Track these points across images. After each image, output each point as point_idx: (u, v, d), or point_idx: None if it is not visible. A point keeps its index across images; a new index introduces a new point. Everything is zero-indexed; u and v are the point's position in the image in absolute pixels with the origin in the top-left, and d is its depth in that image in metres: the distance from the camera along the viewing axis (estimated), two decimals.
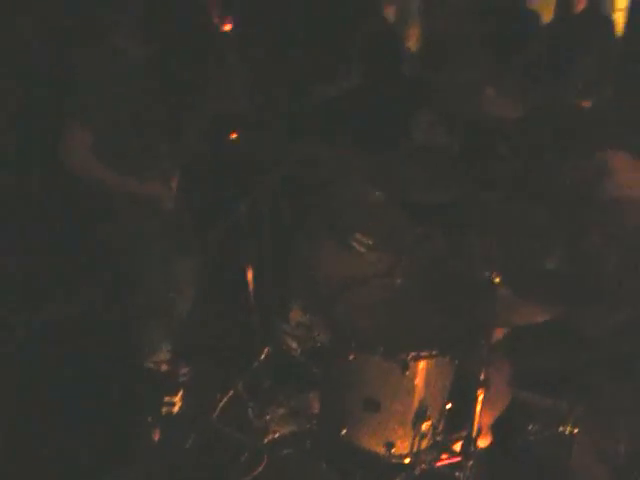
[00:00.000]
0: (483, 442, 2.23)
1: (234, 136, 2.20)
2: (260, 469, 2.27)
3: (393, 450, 2.03)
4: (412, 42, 4.99)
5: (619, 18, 4.82)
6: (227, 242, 2.33)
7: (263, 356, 2.56)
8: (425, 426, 2.02)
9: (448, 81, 3.07)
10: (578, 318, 2.05)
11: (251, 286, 2.40)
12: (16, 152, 3.19)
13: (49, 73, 3.03)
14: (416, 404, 2.01)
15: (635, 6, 4.50)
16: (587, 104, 3.64)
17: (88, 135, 2.14)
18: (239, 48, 2.89)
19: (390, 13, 4.91)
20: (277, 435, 2.40)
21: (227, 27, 2.98)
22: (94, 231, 2.48)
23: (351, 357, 1.99)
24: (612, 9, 5.18)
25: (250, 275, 2.40)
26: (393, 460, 2.05)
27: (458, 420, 2.12)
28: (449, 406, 2.12)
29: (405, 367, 1.93)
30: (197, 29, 2.51)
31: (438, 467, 2.12)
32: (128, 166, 2.23)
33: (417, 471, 2.05)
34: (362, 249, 2.21)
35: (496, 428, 2.29)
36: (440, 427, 2.10)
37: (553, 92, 3.42)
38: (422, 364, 1.97)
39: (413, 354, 1.93)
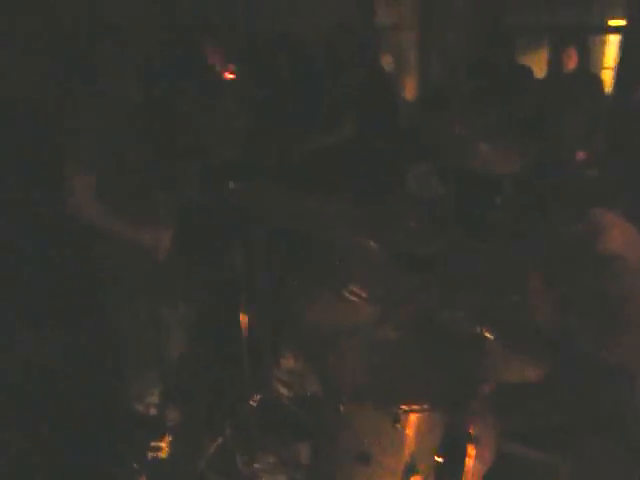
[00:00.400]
0: None
1: (230, 185, 2.24)
2: None
3: None
4: (409, 92, 5.12)
5: (607, 76, 4.99)
6: (222, 287, 2.35)
7: (253, 403, 2.54)
8: None
9: (443, 133, 3.14)
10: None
11: (244, 332, 2.41)
12: (15, 192, 3.22)
13: (51, 113, 3.08)
14: (406, 458, 2.00)
15: (622, 64, 4.67)
16: (579, 159, 3.74)
17: (92, 179, 2.16)
18: (238, 96, 2.95)
19: (387, 62, 5.05)
20: None
21: (230, 75, 3.05)
22: (86, 274, 2.49)
23: (342, 408, 1.98)
24: (601, 67, 5.37)
25: (243, 321, 2.40)
26: None
27: (448, 475, 2.11)
28: (440, 460, 2.11)
29: (396, 420, 1.93)
30: (198, 77, 2.58)
31: None
32: (126, 212, 2.25)
33: None
34: (356, 300, 2.23)
35: None
36: None
37: (546, 147, 3.51)
38: (413, 418, 1.97)
39: (404, 407, 1.93)
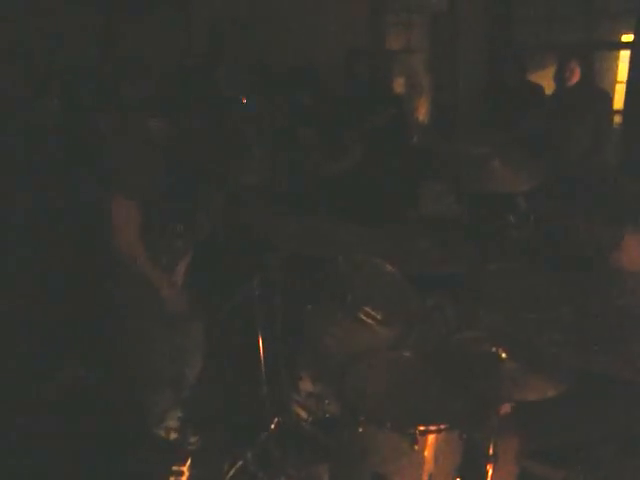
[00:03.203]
0: None
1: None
2: None
3: None
4: (421, 113, 5.17)
5: (620, 89, 4.98)
6: (238, 312, 2.38)
7: (272, 426, 2.56)
8: None
9: (456, 153, 3.16)
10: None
11: (261, 355, 2.44)
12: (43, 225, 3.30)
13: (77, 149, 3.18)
14: (425, 479, 2.00)
15: (634, 78, 4.66)
16: (588, 173, 3.73)
17: (137, 214, 2.21)
18: (255, 124, 3.01)
19: (399, 85, 5.11)
20: None
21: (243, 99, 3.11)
22: (102, 299, 2.53)
23: (360, 430, 1.99)
24: (614, 81, 5.37)
25: (260, 345, 2.43)
26: None
27: None
28: None
29: (414, 441, 1.93)
30: (220, 108, 2.62)
31: None
32: (146, 243, 2.29)
33: None
34: (371, 322, 2.25)
35: None
36: None
37: (554, 163, 3.51)
38: (431, 438, 1.97)
39: (422, 428, 1.94)
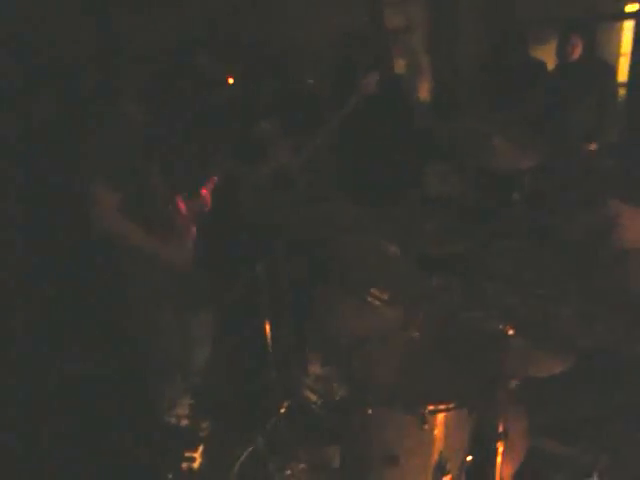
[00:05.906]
0: None
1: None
2: None
3: None
4: (423, 93, 5.13)
5: (623, 62, 4.92)
6: (245, 297, 2.38)
7: (282, 410, 2.57)
8: None
9: (458, 131, 3.14)
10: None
11: (269, 340, 2.44)
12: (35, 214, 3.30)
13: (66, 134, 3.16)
14: (436, 458, 2.00)
15: (638, 50, 4.60)
16: (592, 148, 3.70)
17: (115, 194, 2.21)
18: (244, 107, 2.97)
19: (401, 66, 5.06)
20: None
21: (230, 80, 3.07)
22: (110, 287, 2.54)
23: (369, 411, 2.00)
24: (618, 54, 5.29)
25: (268, 329, 2.44)
26: None
27: (479, 474, 2.10)
28: (469, 459, 2.11)
29: (423, 421, 1.94)
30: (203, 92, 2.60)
31: None
32: (148, 224, 2.29)
33: None
34: (378, 303, 2.25)
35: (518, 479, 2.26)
36: None
37: (558, 139, 3.48)
38: (441, 417, 1.97)
39: (431, 407, 1.94)
